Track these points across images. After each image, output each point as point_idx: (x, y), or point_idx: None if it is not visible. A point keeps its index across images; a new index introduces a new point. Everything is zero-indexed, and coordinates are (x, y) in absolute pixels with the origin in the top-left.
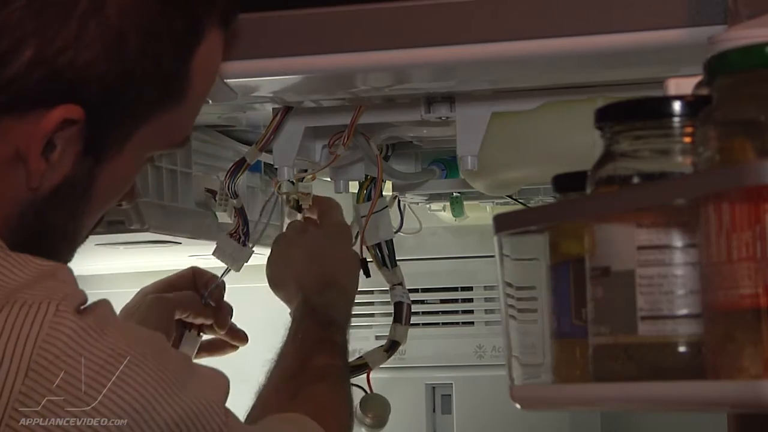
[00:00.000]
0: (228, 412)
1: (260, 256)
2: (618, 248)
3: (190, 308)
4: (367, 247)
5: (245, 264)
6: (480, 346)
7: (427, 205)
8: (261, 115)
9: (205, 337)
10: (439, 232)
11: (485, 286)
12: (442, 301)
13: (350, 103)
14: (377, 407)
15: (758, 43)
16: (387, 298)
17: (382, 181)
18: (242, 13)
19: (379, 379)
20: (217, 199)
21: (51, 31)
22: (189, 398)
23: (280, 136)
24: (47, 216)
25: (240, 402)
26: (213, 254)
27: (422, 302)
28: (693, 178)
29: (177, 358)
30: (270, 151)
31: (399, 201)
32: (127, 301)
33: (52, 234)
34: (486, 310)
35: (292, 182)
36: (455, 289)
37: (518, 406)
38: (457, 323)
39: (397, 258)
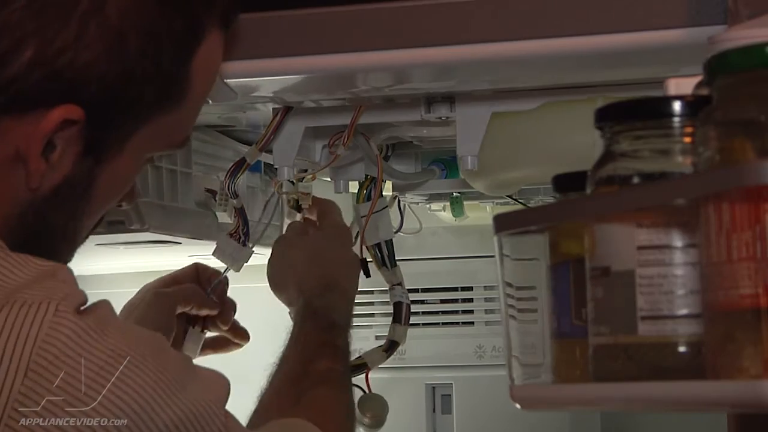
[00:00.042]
0: (228, 414)
1: (260, 256)
2: (618, 248)
3: (193, 300)
4: (366, 247)
5: (245, 264)
6: (480, 346)
7: (427, 205)
8: (261, 115)
9: (209, 334)
10: (439, 232)
11: (485, 286)
12: (442, 301)
13: (350, 103)
14: (375, 407)
15: (758, 43)
16: (387, 298)
17: (382, 181)
18: (242, 13)
19: (379, 379)
20: (217, 199)
21: (51, 32)
22: (188, 399)
23: (280, 136)
24: (47, 216)
25: (240, 402)
26: (213, 254)
27: (422, 302)
28: (693, 178)
29: (177, 359)
30: (270, 151)
31: (399, 201)
32: (127, 300)
33: (52, 234)
34: (486, 310)
35: (292, 182)
36: (455, 289)
37: (518, 406)
38: (457, 323)
39: (397, 258)
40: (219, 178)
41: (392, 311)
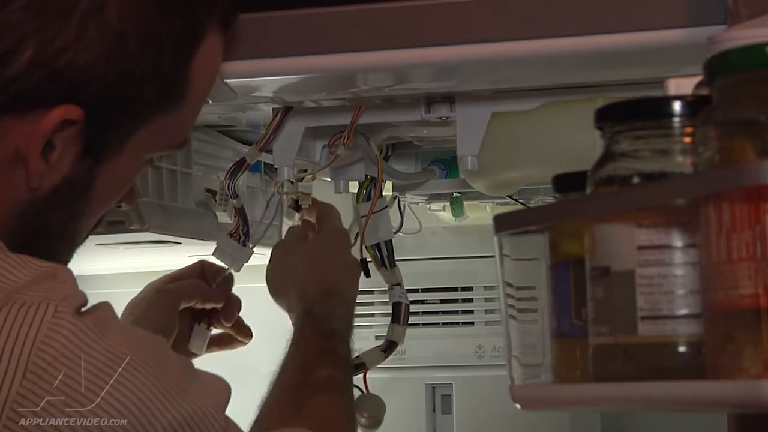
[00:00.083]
0: (228, 419)
1: (260, 256)
2: (618, 248)
3: (197, 295)
4: (366, 247)
5: (245, 264)
6: (480, 346)
7: (427, 205)
8: (261, 115)
9: (215, 331)
10: (439, 232)
11: (485, 286)
12: (442, 301)
13: (350, 103)
14: (373, 407)
15: (758, 43)
16: (386, 298)
17: (382, 181)
18: (242, 13)
19: (379, 379)
20: (217, 199)
21: (51, 32)
22: (188, 403)
23: (280, 136)
24: (46, 216)
25: (240, 402)
26: (213, 254)
27: (422, 302)
28: (693, 178)
29: (178, 362)
30: (270, 151)
31: (399, 201)
32: (127, 300)
33: (52, 234)
34: (486, 310)
35: (292, 182)
36: (455, 289)
37: (518, 406)
38: (457, 323)
39: (397, 258)
40: (219, 178)
41: (391, 311)
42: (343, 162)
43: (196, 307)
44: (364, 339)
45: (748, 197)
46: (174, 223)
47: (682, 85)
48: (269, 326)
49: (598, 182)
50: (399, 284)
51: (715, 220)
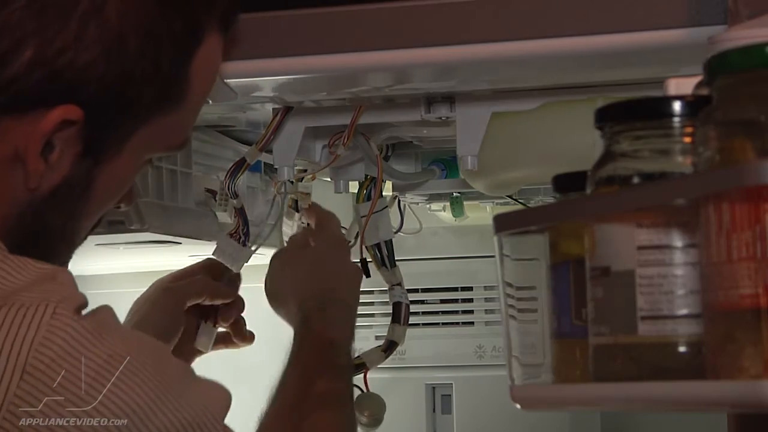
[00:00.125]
0: (227, 428)
1: (261, 256)
2: (618, 248)
3: (206, 291)
4: (366, 247)
5: (246, 264)
6: (480, 346)
7: (427, 205)
8: (261, 115)
9: (222, 329)
10: (440, 232)
11: (485, 286)
12: (442, 301)
13: (350, 103)
14: (373, 406)
15: (758, 43)
16: (386, 298)
17: (382, 181)
18: (242, 13)
19: (379, 379)
20: (217, 199)
21: (51, 32)
22: (185, 408)
23: (280, 136)
24: (46, 217)
25: (240, 402)
26: (213, 254)
27: (422, 302)
28: (693, 178)
29: (178, 367)
30: (270, 151)
31: (399, 201)
32: (127, 300)
33: (51, 235)
34: (486, 310)
35: (292, 182)
36: (455, 289)
37: (518, 406)
38: (457, 323)
39: (397, 258)
40: (219, 178)
41: (391, 311)
42: (343, 162)
43: (205, 304)
44: (364, 339)
45: (748, 197)
46: (174, 223)
47: (682, 85)
48: (269, 326)
49: (598, 182)
50: (399, 284)
51: (715, 220)
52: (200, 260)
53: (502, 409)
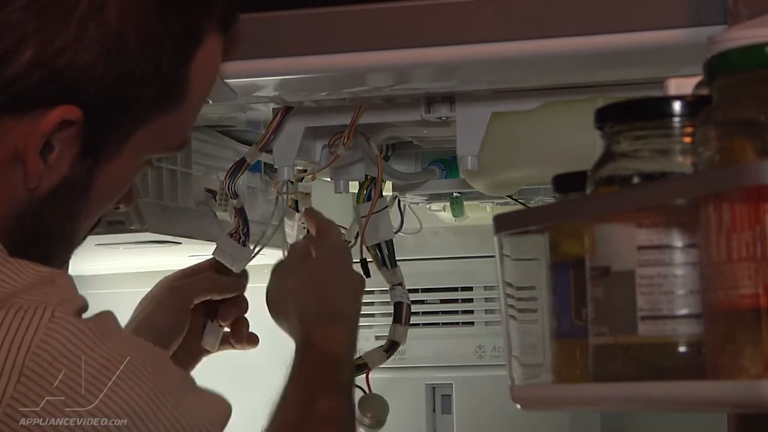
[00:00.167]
0: None
1: (261, 256)
2: (618, 248)
3: (214, 288)
4: (367, 247)
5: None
6: (480, 346)
7: (427, 205)
8: (261, 115)
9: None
10: (440, 233)
11: (485, 286)
12: (442, 301)
13: (350, 103)
14: (375, 407)
15: (758, 43)
16: (387, 298)
17: (382, 181)
18: (242, 13)
19: (379, 379)
20: (217, 199)
21: (51, 32)
22: (183, 417)
23: (280, 136)
24: (45, 217)
25: (241, 403)
26: (213, 254)
27: (422, 302)
28: (693, 178)
29: (178, 375)
30: (270, 151)
31: (399, 201)
32: (127, 300)
33: (50, 235)
34: (486, 310)
35: (292, 182)
36: (455, 289)
37: (518, 406)
38: (457, 323)
39: (397, 258)
40: (219, 178)
41: (393, 311)
42: (343, 162)
43: (215, 299)
44: (364, 339)
45: (748, 197)
46: (174, 223)
47: (682, 85)
48: (270, 326)
49: (598, 182)
50: (400, 284)
51: (715, 220)
52: (206, 259)
53: (502, 409)
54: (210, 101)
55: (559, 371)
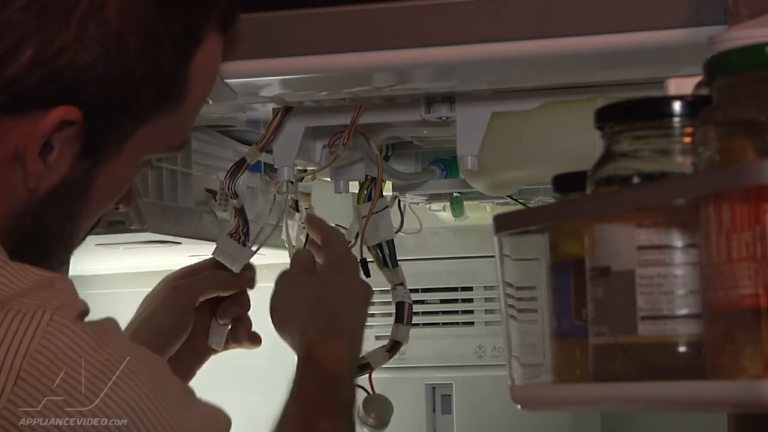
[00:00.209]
0: None
1: (261, 255)
2: (618, 248)
3: (218, 284)
4: (367, 247)
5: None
6: (480, 346)
7: (427, 205)
8: (261, 115)
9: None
10: (440, 233)
11: (485, 286)
12: (443, 301)
13: (350, 103)
14: (379, 408)
15: (758, 43)
16: (387, 298)
17: (382, 181)
18: (242, 13)
19: (379, 379)
20: (217, 199)
21: (51, 32)
22: (180, 427)
23: (280, 136)
24: (44, 217)
25: (240, 403)
26: (213, 254)
27: (422, 302)
28: (693, 178)
29: (177, 386)
30: (270, 151)
31: (399, 201)
32: (127, 301)
33: (49, 235)
34: (486, 310)
35: (292, 182)
36: (455, 289)
37: (518, 406)
38: (457, 323)
39: (397, 258)
40: (219, 178)
41: (394, 311)
42: (343, 162)
43: (221, 296)
44: (365, 339)
45: (748, 197)
46: (174, 223)
47: (682, 85)
48: (270, 326)
49: (598, 182)
50: (402, 284)
51: (715, 220)
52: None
53: (502, 409)
54: (210, 101)
55: (559, 371)
